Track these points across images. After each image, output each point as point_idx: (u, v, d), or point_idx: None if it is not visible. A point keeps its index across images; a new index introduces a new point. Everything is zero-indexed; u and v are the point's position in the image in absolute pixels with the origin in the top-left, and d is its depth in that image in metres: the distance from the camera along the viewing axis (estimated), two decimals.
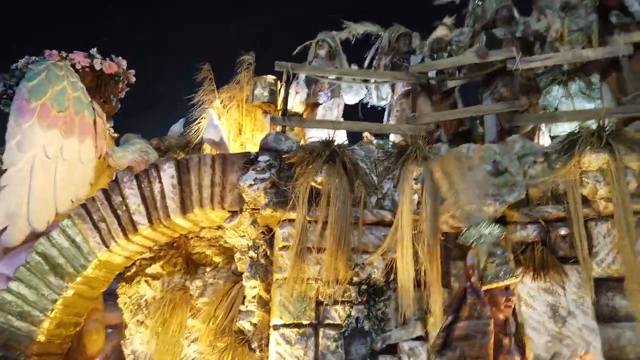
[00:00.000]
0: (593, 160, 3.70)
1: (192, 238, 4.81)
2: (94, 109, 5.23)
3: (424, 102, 4.78)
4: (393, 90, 5.20)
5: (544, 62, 4.52)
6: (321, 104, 5.04)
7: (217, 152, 4.34)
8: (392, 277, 3.83)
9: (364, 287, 3.74)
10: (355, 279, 3.76)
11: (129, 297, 4.56)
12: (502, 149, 4.26)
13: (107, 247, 4.12)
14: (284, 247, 3.79)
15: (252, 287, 3.86)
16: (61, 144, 4.74)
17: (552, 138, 4.64)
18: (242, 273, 4.23)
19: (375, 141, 4.44)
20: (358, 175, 3.99)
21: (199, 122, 5.23)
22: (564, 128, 4.83)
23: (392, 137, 5.12)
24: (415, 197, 3.91)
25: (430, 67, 4.87)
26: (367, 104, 5.57)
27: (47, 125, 4.67)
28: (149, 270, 4.66)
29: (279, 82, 4.99)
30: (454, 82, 5.02)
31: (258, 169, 3.99)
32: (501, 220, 4.01)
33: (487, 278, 2.79)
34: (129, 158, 6.55)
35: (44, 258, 4.10)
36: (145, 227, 4.14)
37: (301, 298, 3.65)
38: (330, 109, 5.05)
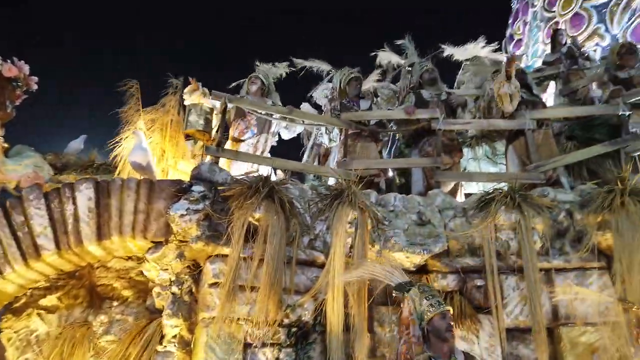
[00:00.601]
0: (507, 219, 4.09)
1: (97, 268, 4.35)
2: None
3: (366, 147, 4.95)
4: (341, 132, 5.33)
5: (464, 126, 4.97)
6: (244, 140, 4.97)
7: (143, 177, 4.05)
8: (319, 319, 3.80)
9: (293, 329, 3.65)
10: (285, 320, 3.66)
11: (15, 332, 3.94)
12: (425, 201, 4.53)
13: (0, 273, 3.57)
14: (214, 284, 3.58)
15: (173, 325, 3.57)
16: None
17: (466, 195, 5.05)
18: (158, 310, 3.91)
19: (310, 183, 4.47)
20: (293, 215, 3.96)
21: (122, 143, 4.85)
22: (473, 188, 5.31)
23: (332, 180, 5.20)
24: (349, 240, 3.98)
25: (360, 117, 5.09)
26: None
27: None
28: (43, 302, 4.09)
29: (214, 111, 4.85)
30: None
31: (191, 199, 3.78)
32: (423, 269, 4.24)
33: (426, 313, 2.92)
34: (20, 172, 5.91)
35: None
36: (51, 252, 3.67)
37: (229, 339, 3.45)
38: (252, 145, 5.01)
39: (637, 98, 4.76)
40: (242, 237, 3.62)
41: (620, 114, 4.76)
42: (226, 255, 3.66)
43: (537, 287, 3.86)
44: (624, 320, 3.62)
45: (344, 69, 6.05)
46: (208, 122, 4.69)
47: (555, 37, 7.01)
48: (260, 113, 4.83)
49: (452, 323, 2.91)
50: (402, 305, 3.35)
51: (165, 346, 3.55)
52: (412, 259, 4.01)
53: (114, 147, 7.53)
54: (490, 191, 4.35)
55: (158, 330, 3.67)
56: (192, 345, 3.56)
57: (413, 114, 5.01)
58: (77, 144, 7.77)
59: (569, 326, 3.85)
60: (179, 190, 3.90)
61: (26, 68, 5.40)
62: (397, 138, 6.34)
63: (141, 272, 4.38)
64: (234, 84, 5.42)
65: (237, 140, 4.91)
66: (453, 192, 4.94)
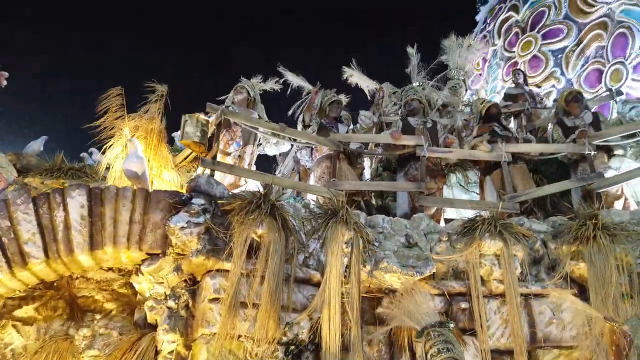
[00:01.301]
0: (491, 245, 4.32)
1: (77, 278, 4.14)
2: None
3: (347, 168, 5.06)
4: (312, 150, 5.40)
5: (446, 154, 5.22)
6: (230, 153, 4.95)
7: (138, 187, 3.93)
8: (313, 338, 3.82)
9: (291, 347, 3.65)
10: (283, 338, 3.65)
11: None
12: (412, 224, 4.70)
13: None
14: (214, 300, 3.52)
15: (170, 341, 3.46)
16: None
17: (446, 220, 5.28)
18: (150, 324, 3.78)
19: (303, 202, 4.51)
20: (291, 232, 3.99)
21: (108, 149, 4.68)
22: (452, 213, 5.56)
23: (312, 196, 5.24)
24: (345, 260, 4.05)
25: (349, 139, 5.22)
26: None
27: None
28: (18, 313, 3.84)
29: (209, 123, 4.80)
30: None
31: (192, 212, 3.72)
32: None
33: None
34: None
35: None
36: (39, 261, 3.47)
37: (229, 356, 3.39)
38: (238, 158, 5.00)
39: (601, 140, 5.21)
40: (244, 253, 3.60)
41: (586, 153, 5.20)
42: (226, 270, 3.62)
43: (519, 311, 4.10)
44: (602, 341, 3.92)
45: (327, 91, 6.19)
46: (204, 134, 4.64)
47: (517, 74, 7.55)
48: (251, 127, 4.84)
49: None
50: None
51: None
52: (404, 281, 4.14)
53: (87, 151, 7.19)
54: (473, 218, 4.59)
55: (152, 346, 3.55)
56: None
57: (399, 139, 5.20)
58: (37, 144, 7.38)
59: (546, 349, 4.12)
60: (178, 202, 3.82)
61: None
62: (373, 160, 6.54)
63: (124, 285, 4.23)
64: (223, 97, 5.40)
65: (224, 153, 4.88)
66: (435, 216, 5.15)
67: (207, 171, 4.44)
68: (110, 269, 4.23)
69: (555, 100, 7.31)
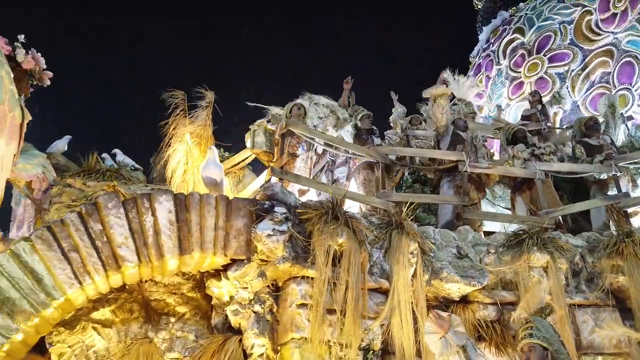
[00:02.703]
0: (540, 258, 4.62)
1: (146, 281, 4.21)
2: (22, 108, 4.42)
3: (385, 178, 5.31)
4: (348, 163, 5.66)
5: (486, 170, 5.53)
6: (298, 155, 5.14)
7: (219, 194, 4.04)
8: (385, 344, 4.01)
9: (370, 352, 3.83)
10: (362, 344, 3.83)
11: (69, 347, 3.68)
12: (459, 236, 4.97)
13: (80, 283, 3.37)
14: (302, 305, 3.67)
15: (260, 345, 3.59)
16: None
17: (485, 233, 5.57)
18: (230, 328, 3.89)
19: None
20: (362, 242, 4.17)
21: (166, 153, 4.76)
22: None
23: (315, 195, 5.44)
24: (412, 270, 4.26)
25: (395, 152, 5.47)
26: None
27: None
28: (95, 316, 3.87)
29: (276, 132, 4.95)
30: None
31: (276, 219, 3.86)
32: (463, 299, 4.63)
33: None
34: (30, 172, 5.58)
35: None
36: (133, 264, 3.54)
37: None
38: (305, 161, 5.20)
39: (626, 162, 5.64)
40: (329, 261, 3.77)
41: (612, 174, 5.62)
42: (310, 277, 3.78)
43: (568, 320, 4.42)
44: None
45: (356, 106, 6.46)
46: (272, 143, 4.79)
47: (534, 95, 8.03)
48: (310, 138, 5.02)
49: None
50: None
51: None
52: (463, 290, 4.39)
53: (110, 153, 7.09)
54: (517, 232, 4.90)
55: (239, 349, 3.66)
56: None
57: (444, 155, 5.49)
58: (61, 144, 7.28)
59: (590, 355, 4.45)
60: (260, 210, 3.95)
61: (42, 61, 5.13)
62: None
63: (192, 289, 4.31)
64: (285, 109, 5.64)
65: (293, 155, 5.06)
66: (473, 225, 5.42)
67: (274, 179, 4.58)
68: (175, 273, 4.32)
69: (569, 126, 7.75)
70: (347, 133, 5.58)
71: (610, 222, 5.68)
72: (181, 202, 3.84)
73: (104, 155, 8.22)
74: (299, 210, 4.04)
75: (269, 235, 3.77)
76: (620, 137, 7.59)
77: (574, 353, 4.29)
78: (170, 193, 3.83)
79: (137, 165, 6.63)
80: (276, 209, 3.96)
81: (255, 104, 5.43)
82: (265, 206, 3.98)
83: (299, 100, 5.64)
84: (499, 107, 9.33)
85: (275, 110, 5.39)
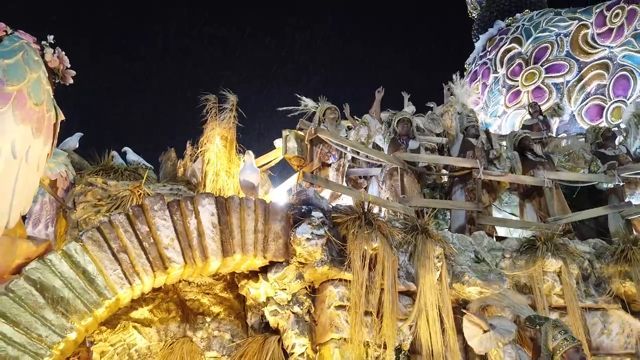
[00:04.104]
0: (553, 264, 4.87)
1: (180, 281, 4.30)
2: (56, 108, 4.47)
3: (412, 182, 5.48)
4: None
5: (498, 177, 5.77)
6: (330, 164, 5.26)
7: (257, 198, 4.16)
8: (413, 344, 4.19)
9: (402, 352, 4.01)
10: (395, 344, 4.00)
11: (111, 345, 3.75)
12: (475, 240, 5.19)
13: (130, 283, 3.45)
14: (340, 307, 3.82)
15: (301, 344, 3.73)
16: (29, 143, 3.91)
17: (497, 238, 5.80)
18: (267, 328, 4.02)
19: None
20: (391, 246, 4.35)
21: (198, 155, 4.84)
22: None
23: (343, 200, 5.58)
24: (437, 273, 4.45)
25: (413, 158, 5.65)
26: None
27: (21, 118, 3.84)
28: (134, 315, 3.95)
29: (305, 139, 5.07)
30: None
31: (314, 224, 4.00)
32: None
33: (561, 346, 3.49)
34: (55, 171, 5.62)
35: (39, 288, 3.19)
36: (179, 266, 3.64)
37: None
38: (337, 170, 5.33)
39: (630, 173, 5.95)
40: (365, 265, 3.93)
41: (615, 183, 5.92)
42: (346, 280, 3.93)
43: (581, 323, 4.67)
44: None
45: (390, 111, 6.61)
46: (304, 148, 4.91)
47: (534, 107, 8.34)
48: (336, 144, 5.16)
49: (585, 357, 3.50)
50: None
51: None
52: (485, 293, 4.60)
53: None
54: (531, 238, 5.15)
55: (279, 348, 3.79)
56: None
57: (459, 162, 5.70)
58: (72, 141, 7.26)
59: (600, 356, 4.72)
60: (297, 214, 4.08)
61: (67, 61, 5.15)
62: None
63: (224, 289, 4.43)
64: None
65: (324, 164, 5.18)
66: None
67: (303, 184, 4.71)
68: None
69: (580, 134, 8.01)
70: (380, 139, 5.71)
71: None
72: (222, 205, 3.94)
73: (114, 153, 8.22)
74: (333, 215, 4.18)
75: (307, 239, 3.91)
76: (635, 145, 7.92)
77: (589, 355, 4.55)
78: (212, 196, 3.93)
79: (148, 164, 6.67)
80: (313, 213, 4.09)
81: (285, 108, 5.54)
82: (303, 210, 4.12)
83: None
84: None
85: (309, 103, 5.49)
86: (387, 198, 5.46)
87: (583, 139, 7.15)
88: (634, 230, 5.67)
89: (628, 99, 8.22)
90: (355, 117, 6.68)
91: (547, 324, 3.63)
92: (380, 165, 5.51)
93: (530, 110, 8.33)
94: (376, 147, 5.95)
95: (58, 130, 4.44)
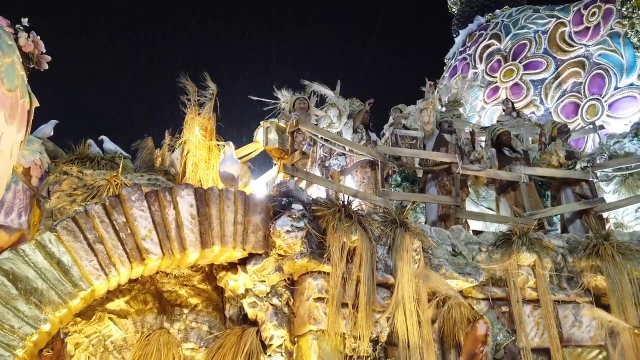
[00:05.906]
0: (528, 258, 4.97)
1: (158, 273, 4.25)
2: (30, 94, 4.36)
3: (381, 177, 5.54)
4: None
5: (477, 172, 5.85)
6: (305, 152, 5.25)
7: (237, 189, 4.12)
8: (389, 336, 4.24)
9: (379, 344, 4.05)
10: (371, 336, 4.04)
11: (86, 337, 3.70)
12: (453, 234, 5.26)
13: (105, 275, 3.40)
14: (319, 299, 3.83)
15: (280, 336, 3.73)
16: (2, 130, 3.82)
17: (474, 232, 5.89)
18: (245, 320, 4.01)
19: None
20: (370, 239, 4.37)
21: (178, 145, 4.77)
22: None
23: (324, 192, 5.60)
24: (415, 266, 4.50)
25: (395, 152, 5.69)
26: None
27: None
28: (110, 306, 3.89)
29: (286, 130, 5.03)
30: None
31: (294, 216, 3.99)
32: (460, 294, 4.92)
33: (502, 338, 3.62)
34: (29, 159, 5.50)
35: (11, 279, 3.12)
36: (157, 257, 3.59)
37: (334, 352, 3.73)
38: (312, 155, 5.33)
39: (601, 170, 6.10)
40: (344, 257, 3.95)
41: (590, 179, 6.07)
42: (326, 272, 3.94)
43: (553, 315, 4.79)
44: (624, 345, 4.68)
45: (353, 99, 6.62)
46: (284, 140, 4.88)
47: (507, 103, 8.46)
48: (317, 136, 5.15)
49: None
50: (476, 324, 4.06)
51: (270, 355, 3.69)
52: (460, 286, 4.67)
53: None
54: (506, 232, 5.24)
55: (257, 339, 3.79)
56: (294, 356, 3.75)
57: (438, 157, 5.76)
58: (47, 128, 7.07)
59: (570, 348, 4.85)
60: (277, 206, 4.07)
61: (42, 45, 5.02)
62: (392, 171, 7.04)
63: (202, 281, 4.40)
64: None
65: (304, 154, 5.16)
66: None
67: (281, 176, 4.69)
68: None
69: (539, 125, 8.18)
70: (348, 129, 5.72)
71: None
72: (201, 197, 3.90)
73: (90, 141, 8.03)
74: (313, 207, 4.18)
75: (287, 231, 3.90)
76: (589, 144, 8.13)
77: (558, 345, 4.68)
78: (191, 187, 3.88)
79: (125, 153, 6.55)
80: (293, 205, 4.08)
81: (258, 98, 5.48)
82: (283, 202, 4.10)
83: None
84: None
85: (287, 95, 5.47)
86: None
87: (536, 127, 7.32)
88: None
89: (603, 97, 8.40)
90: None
91: (491, 314, 3.78)
92: (343, 154, 5.52)
93: (503, 107, 8.45)
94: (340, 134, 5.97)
95: (32, 116, 4.34)
